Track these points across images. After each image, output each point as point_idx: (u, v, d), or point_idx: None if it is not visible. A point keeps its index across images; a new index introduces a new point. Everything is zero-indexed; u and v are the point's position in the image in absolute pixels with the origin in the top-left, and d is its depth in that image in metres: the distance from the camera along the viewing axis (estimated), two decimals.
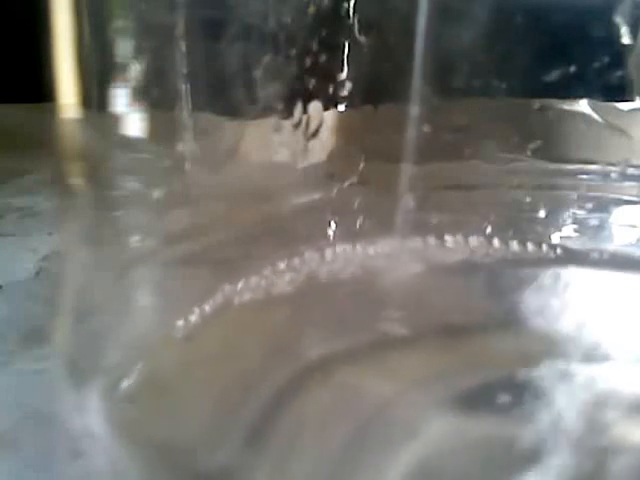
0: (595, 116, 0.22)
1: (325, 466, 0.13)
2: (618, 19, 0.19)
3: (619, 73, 0.20)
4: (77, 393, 0.14)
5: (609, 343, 0.16)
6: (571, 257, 0.20)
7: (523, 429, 0.14)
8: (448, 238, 0.20)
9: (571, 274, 0.19)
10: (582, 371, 0.15)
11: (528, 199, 0.21)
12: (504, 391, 0.15)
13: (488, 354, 0.16)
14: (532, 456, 0.13)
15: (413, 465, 0.13)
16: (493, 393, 0.15)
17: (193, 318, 0.17)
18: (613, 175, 0.22)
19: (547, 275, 0.19)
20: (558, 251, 0.20)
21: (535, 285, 0.18)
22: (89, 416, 0.13)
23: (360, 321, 0.17)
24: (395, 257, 0.19)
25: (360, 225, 0.20)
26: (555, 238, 0.20)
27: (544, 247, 0.20)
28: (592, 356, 0.16)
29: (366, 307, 0.17)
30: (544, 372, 0.15)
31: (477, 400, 0.15)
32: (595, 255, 0.20)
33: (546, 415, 0.14)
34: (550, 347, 0.16)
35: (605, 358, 0.16)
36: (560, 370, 0.15)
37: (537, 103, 0.22)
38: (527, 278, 0.19)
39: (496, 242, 0.20)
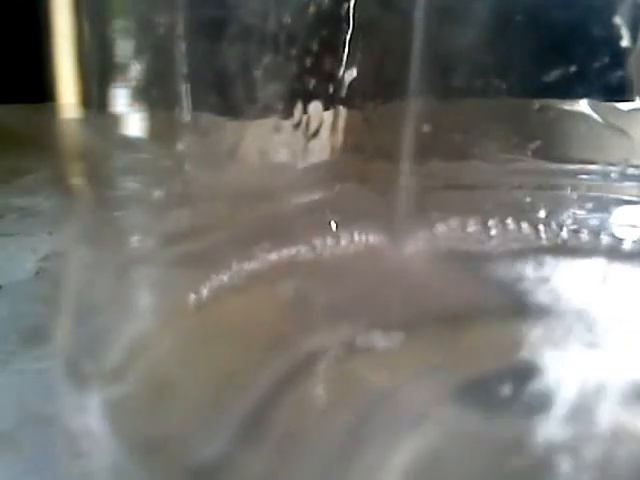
0: (595, 116, 0.22)
1: (325, 457, 0.13)
2: (618, 19, 0.19)
3: (619, 73, 0.20)
4: (77, 393, 0.14)
5: (609, 333, 0.16)
6: (571, 250, 0.20)
7: (525, 419, 0.14)
8: (448, 234, 0.20)
9: (571, 266, 0.19)
10: (583, 361, 0.16)
11: (528, 199, 0.21)
12: (506, 381, 0.15)
13: (489, 344, 0.16)
14: (533, 446, 0.13)
15: (414, 456, 0.13)
16: (495, 383, 0.15)
17: (193, 317, 0.17)
18: (613, 175, 0.22)
19: (547, 267, 0.19)
20: (558, 244, 0.20)
21: (535, 277, 0.18)
22: (89, 416, 0.13)
23: (361, 313, 0.17)
24: (395, 253, 0.19)
25: (360, 225, 0.20)
26: (555, 234, 0.20)
27: (543, 241, 0.20)
28: (593, 345, 0.16)
29: (366, 300, 0.17)
30: (545, 362, 0.15)
31: (479, 390, 0.15)
32: (595, 248, 0.20)
33: (548, 405, 0.14)
34: (550, 337, 0.16)
35: (605, 347, 0.16)
36: (561, 360, 0.15)
37: (537, 103, 0.22)
38: (527, 270, 0.19)
39: (496, 237, 0.20)
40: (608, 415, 0.14)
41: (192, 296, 0.17)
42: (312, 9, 0.19)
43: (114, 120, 0.16)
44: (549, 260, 0.19)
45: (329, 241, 0.19)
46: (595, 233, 0.20)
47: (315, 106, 0.19)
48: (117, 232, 0.17)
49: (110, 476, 0.13)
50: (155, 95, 0.17)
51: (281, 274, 0.18)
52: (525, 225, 0.20)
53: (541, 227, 0.20)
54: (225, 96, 0.18)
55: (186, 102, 0.17)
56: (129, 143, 0.16)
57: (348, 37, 0.19)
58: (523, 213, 0.21)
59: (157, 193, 0.17)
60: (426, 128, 0.19)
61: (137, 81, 0.16)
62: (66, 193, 0.15)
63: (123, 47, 0.16)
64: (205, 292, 0.17)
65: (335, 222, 0.20)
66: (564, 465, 0.13)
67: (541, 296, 0.18)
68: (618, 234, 0.20)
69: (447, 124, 0.20)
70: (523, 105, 0.21)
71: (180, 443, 0.13)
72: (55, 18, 0.14)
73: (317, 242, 0.19)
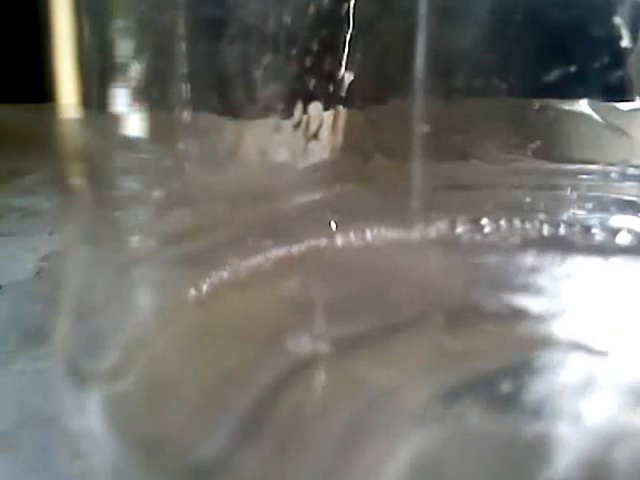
0: (595, 116, 0.22)
1: (324, 456, 0.13)
2: (618, 19, 0.19)
3: (619, 73, 0.20)
4: (77, 393, 0.14)
5: (609, 332, 0.16)
6: (571, 250, 0.20)
7: (525, 419, 0.14)
8: (448, 233, 0.20)
9: (571, 266, 0.19)
10: (583, 360, 0.16)
11: (528, 199, 0.21)
12: (506, 381, 0.15)
13: (488, 344, 0.16)
14: (534, 445, 0.13)
15: (413, 456, 0.13)
16: (494, 383, 0.15)
17: (192, 317, 0.17)
18: (613, 175, 0.22)
19: (547, 267, 0.19)
20: (558, 244, 0.20)
21: (535, 276, 0.18)
22: (89, 416, 0.13)
23: (360, 312, 0.17)
24: (395, 252, 0.19)
25: (360, 225, 0.20)
26: (555, 234, 0.20)
27: (544, 241, 0.20)
28: (593, 344, 0.16)
29: (366, 299, 0.17)
30: (546, 361, 0.15)
31: (479, 390, 0.15)
32: (595, 248, 0.20)
33: (548, 404, 0.14)
34: (550, 337, 0.16)
35: (606, 346, 0.16)
36: (561, 359, 0.15)
37: (537, 103, 0.22)
38: (527, 270, 0.19)
39: (496, 237, 0.20)
40: (608, 414, 0.14)
41: (191, 296, 0.17)
42: (312, 9, 0.19)
43: (114, 120, 0.16)
44: (549, 260, 0.19)
45: (329, 241, 0.19)
46: (595, 233, 0.20)
47: (315, 106, 0.19)
48: (117, 232, 0.17)
49: (110, 476, 0.13)
50: (155, 95, 0.17)
51: (281, 274, 0.18)
52: (525, 225, 0.20)
53: (541, 227, 0.20)
54: (225, 96, 0.18)
55: (186, 102, 0.17)
56: (129, 143, 0.17)
57: (348, 37, 0.19)
58: (523, 213, 0.21)
59: (157, 193, 0.17)
60: (426, 128, 0.19)
61: (137, 81, 0.16)
62: (66, 193, 0.15)
63: (123, 47, 0.16)
64: (204, 292, 0.17)
65: (335, 222, 0.20)
66: (564, 465, 0.13)
67: (541, 295, 0.18)
68: (618, 234, 0.20)
69: (447, 124, 0.20)
70: (523, 105, 0.22)
71: (180, 442, 0.13)
72: (55, 18, 0.14)
73: (317, 242, 0.19)
